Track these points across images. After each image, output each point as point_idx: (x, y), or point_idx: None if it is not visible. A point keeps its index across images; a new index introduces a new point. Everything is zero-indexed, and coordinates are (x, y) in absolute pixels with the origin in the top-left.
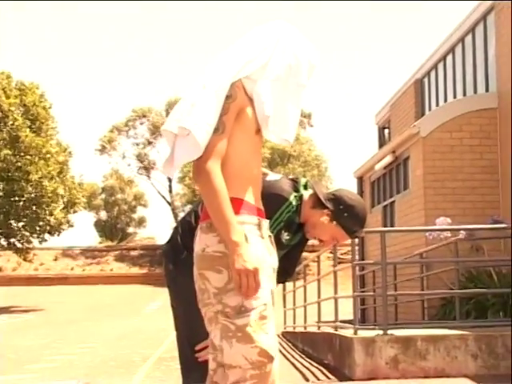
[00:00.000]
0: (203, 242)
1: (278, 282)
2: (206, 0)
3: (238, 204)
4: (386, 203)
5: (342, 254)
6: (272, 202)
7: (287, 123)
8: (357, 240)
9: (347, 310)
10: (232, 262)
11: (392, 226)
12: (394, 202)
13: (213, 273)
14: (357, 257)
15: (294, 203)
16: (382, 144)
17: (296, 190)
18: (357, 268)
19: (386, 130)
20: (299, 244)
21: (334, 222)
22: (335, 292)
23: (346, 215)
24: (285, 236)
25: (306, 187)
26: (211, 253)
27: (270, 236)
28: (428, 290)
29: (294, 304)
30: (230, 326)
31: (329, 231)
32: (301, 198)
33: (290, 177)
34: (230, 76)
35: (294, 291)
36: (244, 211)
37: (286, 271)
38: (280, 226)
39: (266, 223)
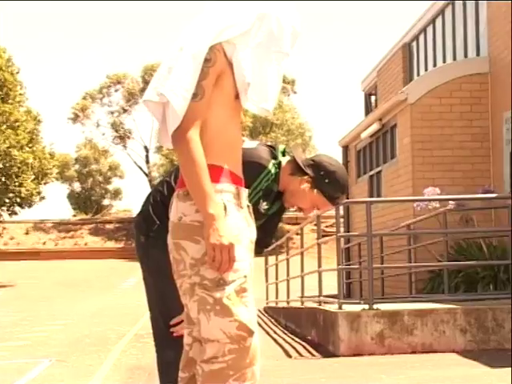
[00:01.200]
0: (180, 210)
1: (256, 252)
2: None
3: (216, 171)
4: (372, 173)
5: (326, 227)
6: (250, 171)
7: (267, 92)
8: (342, 211)
9: (332, 285)
10: (207, 235)
11: (379, 197)
12: (380, 171)
13: (190, 243)
14: (342, 229)
15: (272, 171)
16: (368, 111)
17: (274, 157)
18: (341, 240)
19: (373, 97)
20: (277, 212)
21: (315, 189)
22: (319, 266)
23: (327, 181)
24: (263, 206)
25: (284, 154)
26: (188, 222)
27: (248, 206)
28: (416, 262)
29: (277, 278)
30: (207, 298)
31: (309, 199)
32: (279, 165)
33: (268, 143)
34: (209, 39)
35: (277, 265)
36: (223, 179)
37: (263, 241)
38: (258, 195)
39: (244, 192)
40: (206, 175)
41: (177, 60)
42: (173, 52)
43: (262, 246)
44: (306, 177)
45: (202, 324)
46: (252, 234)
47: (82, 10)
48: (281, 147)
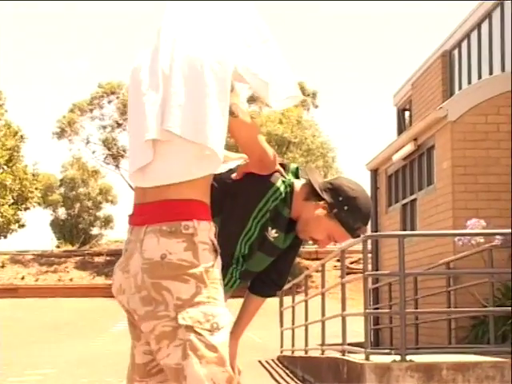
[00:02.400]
0: (163, 247)
1: (266, 295)
2: None
3: (205, 209)
4: (405, 202)
5: (351, 263)
6: (253, 188)
7: (286, 79)
8: (369, 246)
9: (357, 331)
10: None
11: (413, 230)
12: (415, 200)
13: (177, 283)
14: (369, 266)
15: (281, 189)
16: (401, 130)
17: (282, 176)
18: (369, 280)
19: (407, 113)
20: (292, 247)
21: (332, 217)
22: (343, 309)
23: (347, 208)
24: (272, 233)
25: (297, 175)
26: (175, 261)
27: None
28: (456, 307)
29: (293, 323)
30: (198, 343)
31: (325, 228)
32: (291, 186)
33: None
34: (229, 67)
35: (293, 307)
36: (209, 218)
37: (275, 283)
38: (265, 218)
39: (216, 229)
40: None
41: (196, 94)
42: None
43: (276, 288)
44: (321, 202)
45: (187, 371)
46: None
47: (72, 12)
48: (292, 166)
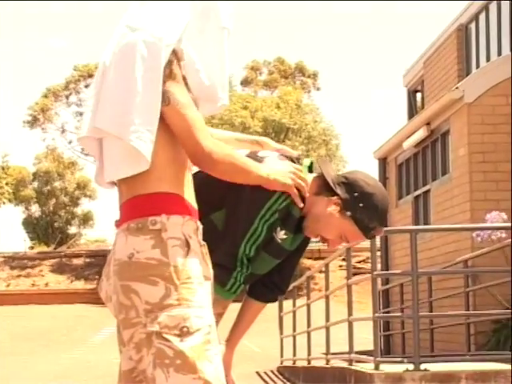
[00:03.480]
0: (131, 246)
1: (267, 300)
2: None
3: (174, 201)
4: (417, 193)
5: (358, 262)
6: (262, 187)
7: (219, 83)
8: (378, 242)
9: (366, 338)
10: (280, 183)
11: (426, 224)
12: (428, 191)
13: (145, 284)
14: (378, 266)
15: None
16: (412, 113)
17: None
18: (378, 281)
19: (419, 95)
20: (297, 249)
21: (345, 215)
22: (349, 313)
23: (362, 205)
24: (281, 234)
25: (310, 169)
26: (143, 260)
27: (204, 245)
28: (475, 309)
29: (294, 330)
30: (166, 350)
31: (337, 226)
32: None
33: (288, 154)
34: (159, 49)
35: (294, 312)
36: (182, 210)
37: (278, 286)
38: (274, 218)
39: (201, 227)
40: (248, 163)
41: (124, 85)
42: (109, 71)
43: (279, 292)
44: (334, 197)
45: (157, 382)
46: (211, 275)
47: None
48: (306, 161)
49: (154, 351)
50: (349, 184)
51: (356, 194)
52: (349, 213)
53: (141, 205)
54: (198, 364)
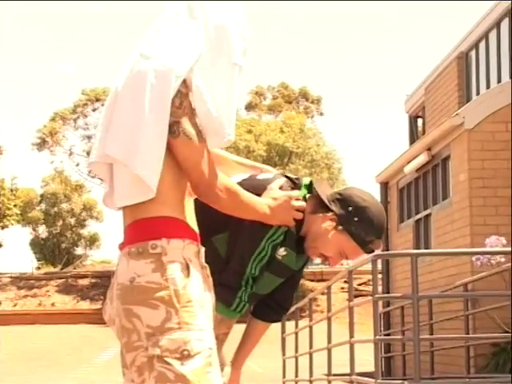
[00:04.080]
0: (132, 270)
1: (271, 320)
2: None
3: (175, 225)
4: (418, 217)
5: (359, 285)
6: None
7: (226, 118)
8: (379, 266)
9: (367, 359)
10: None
11: (427, 248)
12: (429, 215)
13: (146, 308)
14: (379, 288)
15: None
16: (413, 139)
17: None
18: (379, 303)
19: (420, 121)
20: (300, 268)
21: (342, 230)
22: (351, 335)
23: (357, 220)
24: (281, 251)
25: (309, 189)
26: (144, 284)
27: (206, 267)
28: (475, 332)
29: (297, 351)
30: (168, 374)
31: (335, 243)
32: (304, 200)
33: (288, 175)
34: (169, 81)
35: (297, 334)
36: (184, 234)
37: (281, 305)
38: (280, 240)
39: (202, 250)
40: (252, 200)
41: (134, 113)
42: (123, 98)
43: (282, 311)
44: (329, 214)
45: None
46: (213, 299)
47: (55, 11)
48: (305, 180)
49: (155, 374)
50: (343, 200)
51: (350, 208)
52: (344, 227)
53: (142, 229)
54: None
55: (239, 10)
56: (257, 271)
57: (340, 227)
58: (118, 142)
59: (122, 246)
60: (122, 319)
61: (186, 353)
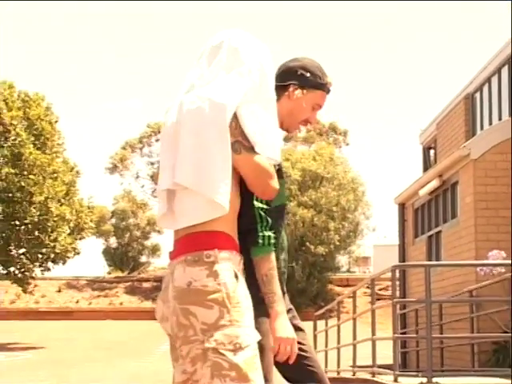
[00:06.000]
0: (189, 275)
1: (254, 245)
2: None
3: (224, 239)
4: (431, 233)
5: (380, 290)
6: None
7: (272, 143)
8: (397, 274)
9: (385, 353)
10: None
11: (438, 260)
12: (440, 232)
13: (201, 308)
14: (397, 293)
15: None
16: (427, 167)
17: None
18: (397, 306)
19: (432, 151)
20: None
21: (306, 90)
22: (373, 333)
23: (309, 74)
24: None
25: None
26: (200, 287)
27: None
28: (479, 332)
29: (326, 345)
30: (223, 363)
31: (306, 104)
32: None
33: None
34: (226, 116)
35: (327, 331)
36: (230, 246)
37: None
38: None
39: (242, 258)
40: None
41: (199, 146)
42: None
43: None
44: (290, 88)
45: None
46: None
47: (123, 59)
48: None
49: (209, 364)
50: (288, 71)
51: (299, 72)
52: (307, 87)
53: (197, 240)
54: (250, 374)
55: (269, 54)
56: (263, 203)
57: (305, 90)
58: (187, 172)
59: (174, 255)
60: (180, 317)
61: (238, 345)
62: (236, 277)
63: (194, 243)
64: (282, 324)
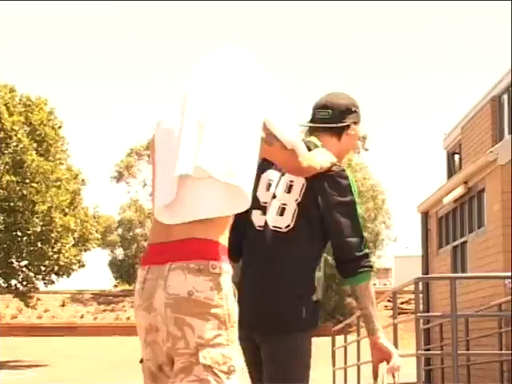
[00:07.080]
0: (190, 284)
1: (347, 272)
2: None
3: (225, 252)
4: (456, 244)
5: (401, 303)
6: None
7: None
8: (421, 287)
9: (409, 371)
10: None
11: (463, 272)
12: (465, 242)
13: (200, 321)
14: (420, 307)
15: None
16: (451, 173)
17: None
18: (421, 321)
19: (457, 156)
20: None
21: (358, 124)
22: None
23: (357, 110)
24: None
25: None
26: (202, 299)
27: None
28: (508, 349)
29: (345, 363)
30: (213, 383)
31: (357, 137)
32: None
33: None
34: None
35: (346, 347)
36: (227, 259)
37: (342, 252)
38: None
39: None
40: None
41: (229, 138)
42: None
43: (348, 254)
44: (351, 126)
45: None
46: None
47: (128, 64)
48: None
49: (193, 379)
50: (344, 111)
51: (353, 109)
52: (358, 122)
53: (202, 247)
54: None
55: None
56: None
57: (358, 125)
58: (211, 159)
59: (160, 259)
60: (171, 326)
61: (232, 368)
62: (234, 294)
63: (198, 250)
64: (387, 341)
